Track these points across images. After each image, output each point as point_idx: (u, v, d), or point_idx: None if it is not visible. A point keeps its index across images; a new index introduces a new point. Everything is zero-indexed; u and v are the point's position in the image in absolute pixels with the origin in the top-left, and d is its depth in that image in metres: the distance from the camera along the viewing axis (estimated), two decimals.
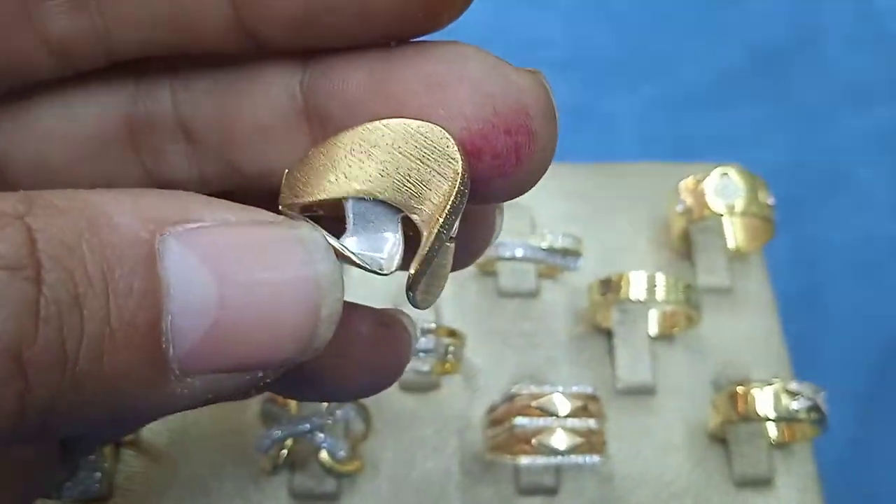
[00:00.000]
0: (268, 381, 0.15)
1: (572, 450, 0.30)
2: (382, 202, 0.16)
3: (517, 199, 0.40)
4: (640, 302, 0.34)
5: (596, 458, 0.30)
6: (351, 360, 0.20)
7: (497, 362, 0.36)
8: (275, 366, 0.14)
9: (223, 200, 0.14)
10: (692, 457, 0.35)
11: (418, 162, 0.16)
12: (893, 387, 0.42)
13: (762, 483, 0.34)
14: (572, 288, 0.38)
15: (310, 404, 0.34)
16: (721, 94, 0.52)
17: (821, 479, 0.35)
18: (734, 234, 0.39)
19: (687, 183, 0.37)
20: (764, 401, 0.32)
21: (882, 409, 0.41)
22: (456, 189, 0.15)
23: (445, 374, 0.35)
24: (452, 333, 0.33)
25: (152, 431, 0.34)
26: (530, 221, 0.39)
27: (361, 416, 0.32)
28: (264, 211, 0.15)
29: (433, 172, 0.16)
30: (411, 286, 0.16)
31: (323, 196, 0.16)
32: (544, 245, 0.35)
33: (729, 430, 0.35)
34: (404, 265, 0.16)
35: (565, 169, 0.42)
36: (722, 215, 0.36)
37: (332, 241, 0.15)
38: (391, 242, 0.16)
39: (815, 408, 0.32)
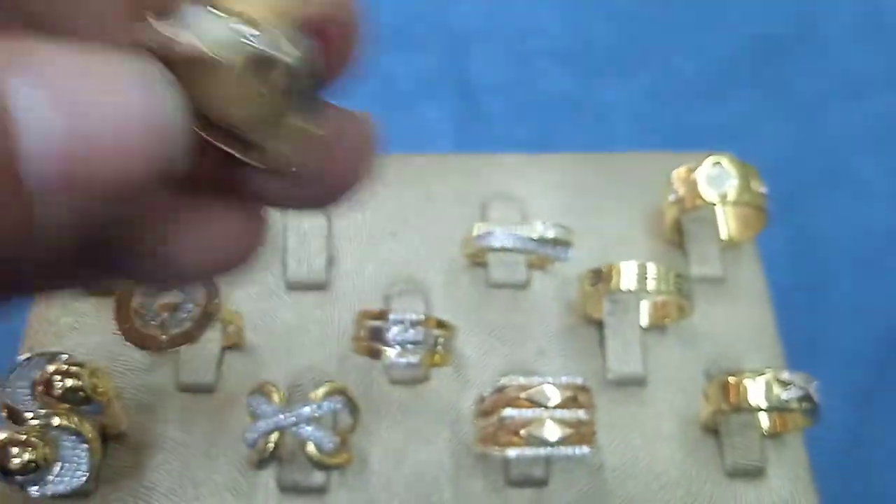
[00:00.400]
0: (130, 218, 0.16)
1: (562, 441, 0.29)
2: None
3: (510, 189, 0.40)
4: (631, 292, 0.34)
5: (586, 450, 0.30)
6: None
7: (487, 354, 0.36)
8: (126, 190, 0.15)
9: (64, 41, 0.15)
10: (684, 447, 0.34)
11: None
12: (891, 379, 0.41)
13: (754, 474, 0.34)
14: (563, 279, 0.38)
15: (297, 399, 0.34)
16: (718, 84, 0.51)
17: (814, 469, 0.35)
18: (727, 223, 0.39)
19: (679, 172, 0.37)
20: (755, 390, 0.32)
21: (879, 401, 0.41)
22: None
23: (435, 366, 0.34)
24: (442, 325, 0.32)
25: (139, 425, 0.34)
26: (521, 213, 0.39)
27: (349, 408, 0.32)
28: (104, 47, 0.15)
29: None
30: None
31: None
32: (534, 235, 0.35)
33: (721, 421, 0.34)
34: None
35: (558, 159, 0.41)
36: (714, 204, 0.36)
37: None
38: None
39: (807, 397, 0.31)
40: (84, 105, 0.14)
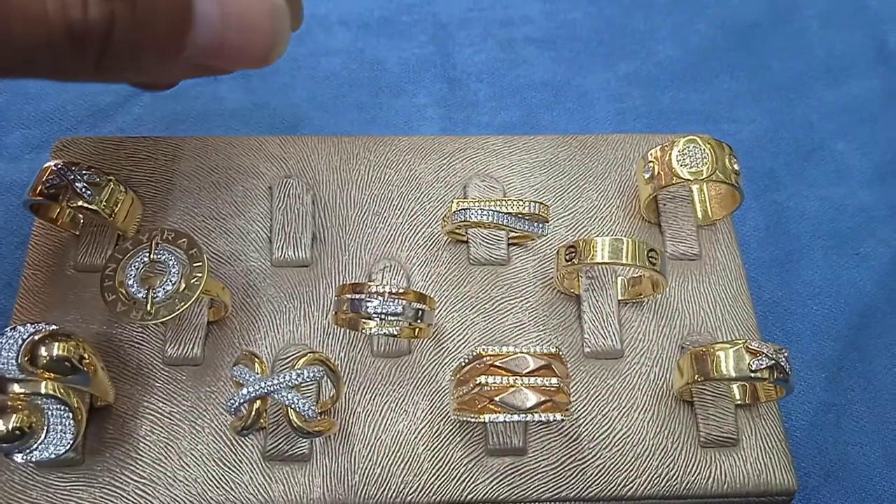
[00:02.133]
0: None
1: (535, 407, 0.30)
2: None
3: (490, 169, 0.41)
4: (606, 266, 0.35)
5: (559, 416, 0.30)
6: None
7: (467, 328, 0.37)
8: (250, 63, 0.28)
9: None
10: (659, 418, 0.35)
11: None
12: (864, 354, 0.42)
13: (728, 444, 0.35)
14: (542, 256, 0.39)
15: (280, 369, 0.34)
16: (697, 69, 0.52)
17: (788, 439, 0.36)
18: (702, 201, 0.40)
19: (654, 151, 0.38)
20: (726, 361, 0.32)
21: (851, 372, 0.41)
22: None
23: (415, 338, 0.35)
24: (422, 298, 0.33)
25: (126, 397, 0.35)
26: (501, 192, 0.40)
27: (331, 378, 0.33)
28: None
29: None
30: None
31: None
32: (511, 210, 0.35)
33: (695, 392, 0.35)
34: None
35: (537, 140, 0.42)
36: (688, 181, 0.36)
37: None
38: None
39: (777, 367, 0.32)
40: (234, 14, 0.26)
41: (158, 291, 0.32)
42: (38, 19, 0.23)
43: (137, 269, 0.33)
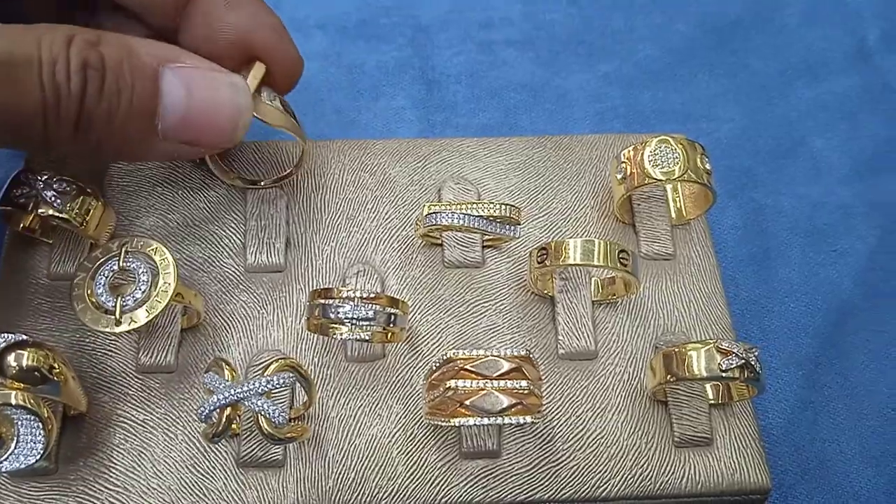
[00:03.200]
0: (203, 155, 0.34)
1: (506, 410, 0.30)
2: None
3: (465, 173, 0.41)
4: (577, 267, 0.35)
5: (529, 419, 0.30)
6: None
7: (442, 331, 0.37)
8: (212, 146, 0.32)
9: (195, 55, 0.30)
10: (633, 419, 0.35)
11: None
12: (841, 351, 0.42)
13: (702, 443, 0.35)
14: (517, 258, 0.39)
15: (251, 374, 0.34)
16: (677, 68, 0.52)
17: (763, 439, 0.36)
18: (676, 201, 0.40)
19: (627, 151, 0.38)
20: (698, 361, 0.32)
21: (827, 369, 0.42)
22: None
23: (389, 342, 0.35)
24: (394, 302, 0.33)
25: (99, 405, 0.35)
26: (475, 194, 0.40)
27: (303, 384, 0.33)
28: (218, 66, 0.31)
29: None
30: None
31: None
32: (483, 213, 0.35)
33: (669, 392, 0.35)
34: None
35: (512, 141, 0.42)
36: (660, 181, 0.36)
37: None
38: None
39: (747, 366, 0.32)
40: (198, 91, 0.29)
41: (128, 300, 0.32)
42: (27, 88, 0.26)
43: (107, 277, 0.33)
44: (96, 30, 0.28)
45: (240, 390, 0.30)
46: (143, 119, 0.28)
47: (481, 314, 0.37)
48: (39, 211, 0.34)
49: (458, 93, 0.51)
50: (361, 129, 0.49)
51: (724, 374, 0.32)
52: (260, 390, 0.31)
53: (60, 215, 0.34)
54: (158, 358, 0.35)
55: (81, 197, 0.35)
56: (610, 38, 0.53)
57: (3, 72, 0.25)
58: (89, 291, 0.32)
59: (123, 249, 0.33)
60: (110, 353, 0.35)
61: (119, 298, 0.32)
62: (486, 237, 0.38)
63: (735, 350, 0.32)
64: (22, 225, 0.37)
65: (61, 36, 0.26)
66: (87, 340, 0.36)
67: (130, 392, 0.35)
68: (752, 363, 0.32)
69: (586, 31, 0.54)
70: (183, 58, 0.30)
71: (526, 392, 0.31)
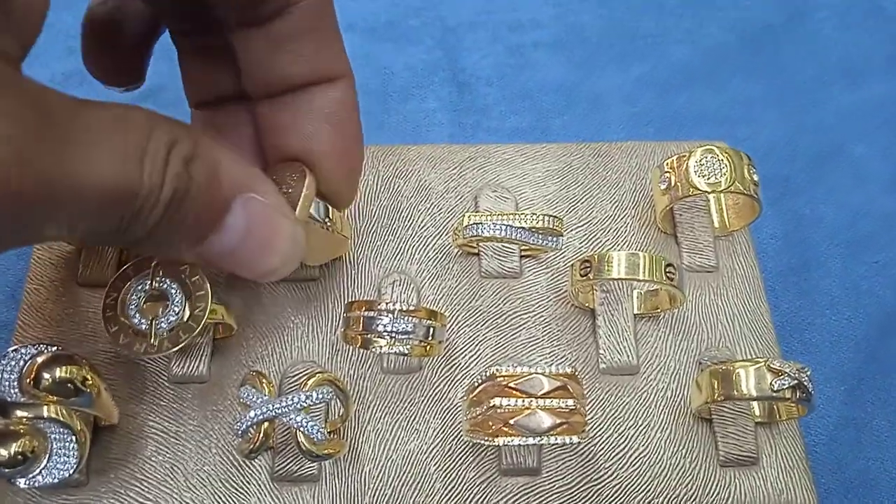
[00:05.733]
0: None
1: (551, 430, 0.29)
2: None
3: (502, 181, 0.40)
4: (621, 281, 0.34)
5: (575, 439, 0.29)
6: None
7: (479, 343, 0.36)
8: (250, 275, 0.28)
9: (272, 184, 0.28)
10: (676, 436, 0.34)
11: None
12: (884, 365, 0.41)
13: (748, 463, 0.34)
14: (556, 268, 0.38)
15: (289, 390, 0.34)
16: (711, 72, 0.51)
17: (809, 458, 0.35)
18: (719, 212, 0.39)
19: (671, 161, 0.37)
20: (747, 380, 0.31)
21: (870, 384, 0.41)
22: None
23: (426, 355, 0.34)
24: (433, 315, 0.32)
25: (131, 417, 0.34)
26: (513, 202, 0.39)
27: (341, 398, 0.32)
28: (286, 203, 0.29)
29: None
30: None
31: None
32: (524, 225, 0.34)
33: (714, 410, 0.34)
34: None
35: (549, 148, 0.41)
36: (706, 193, 0.35)
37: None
38: None
39: (799, 386, 0.31)
40: (257, 232, 0.27)
41: (161, 322, 0.31)
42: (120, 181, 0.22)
43: (139, 298, 0.32)
44: (192, 133, 0.25)
45: (278, 406, 0.30)
46: (189, 241, 0.26)
47: (520, 326, 0.36)
48: None
49: (488, 95, 0.50)
50: (391, 131, 0.48)
51: (775, 395, 0.31)
52: (299, 406, 0.30)
53: None
54: (191, 368, 0.34)
55: None
56: (641, 41, 0.52)
57: (109, 199, 0.22)
58: (121, 313, 0.32)
59: (155, 268, 0.32)
60: (142, 364, 0.35)
61: (153, 321, 0.31)
62: (524, 247, 0.37)
63: (787, 370, 0.31)
64: None
65: (163, 152, 0.23)
66: (118, 350, 0.35)
67: (162, 403, 0.34)
68: (805, 383, 0.31)
69: (617, 33, 0.53)
70: (258, 185, 0.27)
71: (571, 411, 0.30)
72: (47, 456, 0.30)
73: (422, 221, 0.39)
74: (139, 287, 0.32)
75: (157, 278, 0.32)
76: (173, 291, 0.32)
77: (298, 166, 0.32)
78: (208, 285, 0.32)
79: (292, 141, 0.31)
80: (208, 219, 0.25)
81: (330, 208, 0.34)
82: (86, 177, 0.21)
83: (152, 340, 0.31)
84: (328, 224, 0.34)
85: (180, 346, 0.31)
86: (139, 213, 0.23)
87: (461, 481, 0.33)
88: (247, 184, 0.26)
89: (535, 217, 0.34)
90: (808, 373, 0.32)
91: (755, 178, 0.36)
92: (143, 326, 0.31)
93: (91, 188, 0.21)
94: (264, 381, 0.31)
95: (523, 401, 0.30)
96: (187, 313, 0.31)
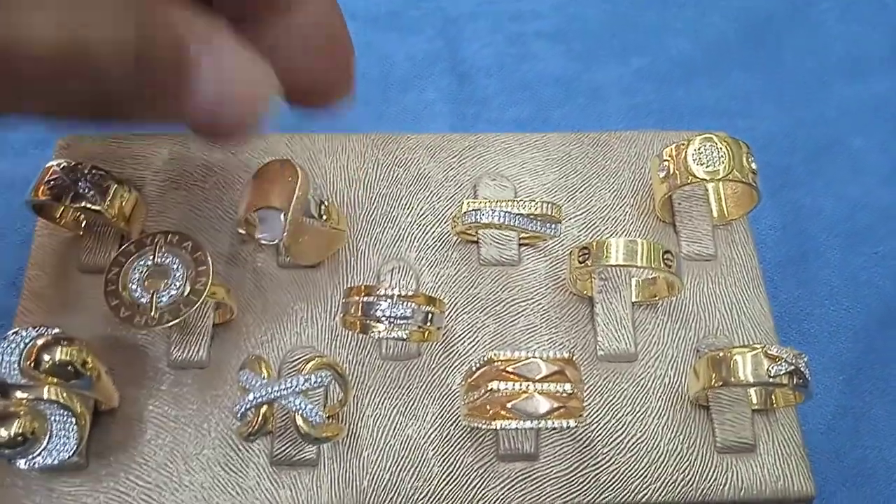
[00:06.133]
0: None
1: (548, 414, 0.29)
2: None
3: (501, 170, 0.40)
4: (620, 268, 0.34)
5: (572, 423, 0.30)
6: None
7: (478, 330, 0.36)
8: (246, 125, 0.27)
9: (233, 32, 0.26)
10: (673, 422, 0.34)
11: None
12: (882, 355, 0.41)
13: (745, 449, 0.34)
14: (554, 256, 0.38)
15: (287, 373, 0.34)
16: (711, 64, 0.51)
17: (806, 445, 0.35)
18: (718, 200, 0.39)
19: (670, 149, 0.37)
20: (744, 365, 0.31)
21: (871, 377, 0.41)
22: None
23: (425, 341, 0.35)
24: (432, 301, 0.32)
25: (131, 401, 0.34)
26: (512, 190, 0.39)
27: (340, 383, 0.32)
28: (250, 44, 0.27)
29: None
30: None
31: None
32: (523, 211, 0.35)
33: (711, 397, 0.34)
34: None
35: (548, 137, 0.41)
36: (704, 181, 0.35)
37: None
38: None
39: (796, 372, 0.31)
40: (228, 73, 0.26)
41: (163, 296, 0.31)
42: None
43: (141, 273, 0.32)
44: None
45: (277, 389, 0.30)
46: (164, 98, 0.25)
47: (518, 313, 0.36)
48: (72, 203, 0.34)
49: (488, 86, 0.50)
50: (391, 121, 0.48)
51: (772, 380, 0.31)
52: (297, 389, 0.30)
53: (93, 207, 0.34)
54: (191, 353, 0.34)
55: (115, 188, 0.35)
56: (643, 33, 0.52)
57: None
58: (123, 287, 0.32)
59: (158, 244, 0.32)
60: (142, 348, 0.35)
61: (153, 295, 0.31)
62: (523, 235, 0.37)
63: (784, 356, 0.31)
64: (53, 216, 0.36)
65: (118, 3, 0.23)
66: (120, 335, 0.35)
67: (162, 387, 0.34)
68: (802, 369, 0.31)
69: (618, 24, 0.53)
70: (219, 33, 0.26)
71: (568, 395, 0.30)
72: (47, 437, 0.30)
73: (421, 209, 0.39)
74: (141, 262, 0.32)
75: (160, 253, 0.32)
76: (175, 266, 0.32)
77: (291, 165, 0.32)
78: (210, 260, 0.32)
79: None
80: (175, 69, 0.25)
81: (325, 203, 0.34)
82: (37, 31, 0.21)
83: (153, 313, 0.31)
84: (324, 219, 0.34)
85: (181, 318, 0.31)
86: (100, 67, 0.23)
87: (459, 467, 0.33)
88: (208, 32, 0.26)
89: (533, 204, 0.35)
90: (805, 359, 0.32)
91: (753, 166, 0.36)
92: (144, 300, 0.31)
93: (40, 43, 0.21)
94: (263, 365, 0.31)
95: (521, 384, 0.30)
96: (188, 287, 0.32)
